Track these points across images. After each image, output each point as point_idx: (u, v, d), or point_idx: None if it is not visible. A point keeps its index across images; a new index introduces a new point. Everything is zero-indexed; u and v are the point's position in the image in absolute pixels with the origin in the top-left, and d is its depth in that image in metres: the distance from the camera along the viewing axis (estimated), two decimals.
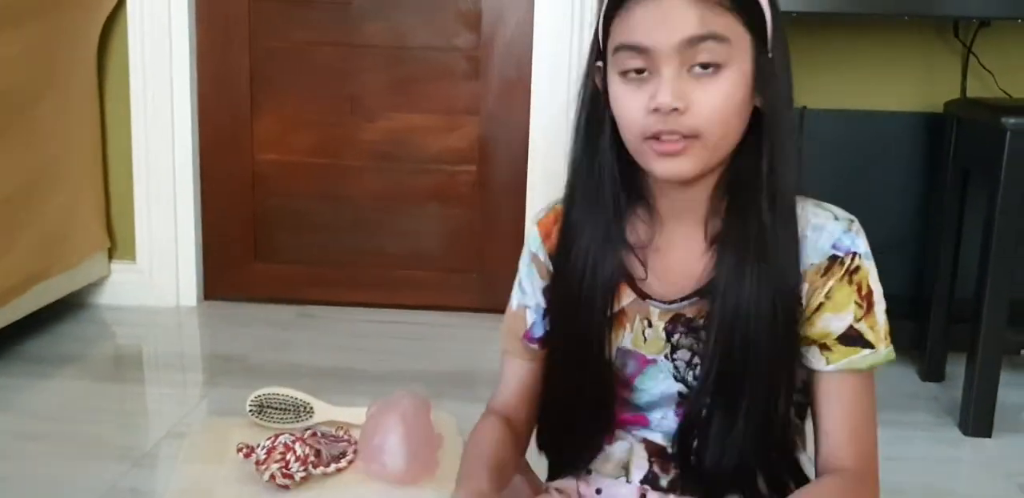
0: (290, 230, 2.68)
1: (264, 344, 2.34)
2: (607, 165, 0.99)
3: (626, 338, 1.03)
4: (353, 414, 1.70)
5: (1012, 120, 1.80)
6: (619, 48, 0.93)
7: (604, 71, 0.97)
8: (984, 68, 2.23)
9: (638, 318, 1.02)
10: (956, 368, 2.04)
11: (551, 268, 1.06)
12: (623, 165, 0.99)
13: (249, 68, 2.57)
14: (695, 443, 1.00)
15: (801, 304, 0.98)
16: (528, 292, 1.09)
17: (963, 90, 2.24)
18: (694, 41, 0.90)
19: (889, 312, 1.00)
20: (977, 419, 1.89)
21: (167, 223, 2.62)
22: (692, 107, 0.91)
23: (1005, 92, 2.20)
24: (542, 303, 1.08)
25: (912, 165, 2.29)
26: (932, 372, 2.16)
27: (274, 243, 2.69)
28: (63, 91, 2.36)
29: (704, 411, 0.99)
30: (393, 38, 2.53)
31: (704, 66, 0.91)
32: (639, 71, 0.92)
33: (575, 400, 1.05)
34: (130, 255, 2.64)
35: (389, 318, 2.55)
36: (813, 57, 2.23)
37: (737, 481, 1.00)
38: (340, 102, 2.57)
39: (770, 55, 0.94)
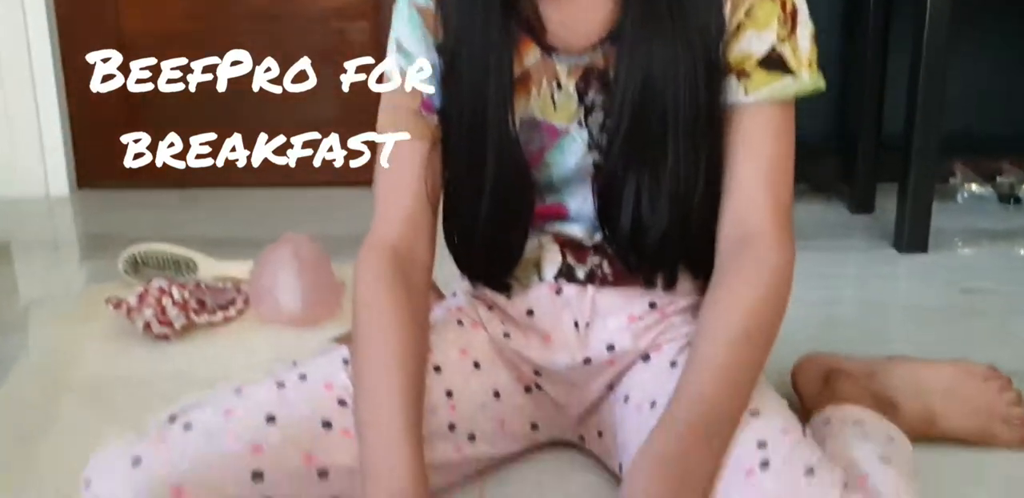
0: (168, 107, 2.44)
1: (145, 225, 2.13)
2: None
3: (532, 106, 0.89)
4: (242, 268, 1.52)
5: None
6: None
7: None
8: None
9: (544, 80, 0.88)
10: (885, 201, 1.97)
11: (441, 21, 0.89)
12: None
13: None
14: (620, 211, 0.87)
15: (720, 57, 0.85)
16: (415, 52, 0.91)
17: None
18: None
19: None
20: (912, 237, 1.82)
21: (27, 106, 2.36)
22: None
23: None
24: (439, 63, 0.90)
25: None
26: (862, 204, 2.07)
27: (152, 121, 2.45)
28: None
29: (621, 171, 0.86)
30: None
31: None
32: None
33: (481, 187, 0.89)
34: None
35: (282, 197, 2.35)
36: None
37: (663, 250, 0.88)
38: None
39: None
